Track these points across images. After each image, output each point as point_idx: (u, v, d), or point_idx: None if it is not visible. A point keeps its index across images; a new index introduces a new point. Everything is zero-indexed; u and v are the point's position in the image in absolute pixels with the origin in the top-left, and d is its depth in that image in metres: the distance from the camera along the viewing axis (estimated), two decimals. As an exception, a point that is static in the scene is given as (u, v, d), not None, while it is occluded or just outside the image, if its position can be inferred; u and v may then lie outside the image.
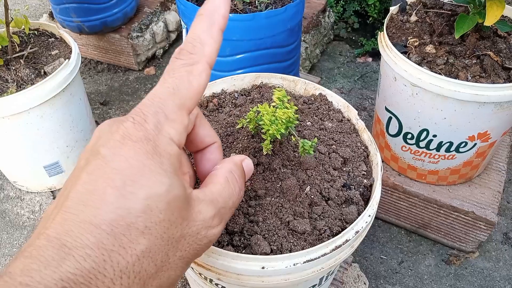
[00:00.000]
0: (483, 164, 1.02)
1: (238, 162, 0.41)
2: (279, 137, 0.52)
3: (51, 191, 1.28)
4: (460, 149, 0.93)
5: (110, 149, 0.31)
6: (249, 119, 0.57)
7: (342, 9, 1.93)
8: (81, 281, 0.26)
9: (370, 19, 1.92)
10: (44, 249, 0.27)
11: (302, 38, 1.58)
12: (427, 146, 0.95)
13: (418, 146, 0.97)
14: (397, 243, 1.14)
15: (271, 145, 0.56)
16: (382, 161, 1.11)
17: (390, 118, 0.99)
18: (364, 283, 0.94)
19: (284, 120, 0.52)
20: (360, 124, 0.67)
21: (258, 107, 0.55)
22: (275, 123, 0.52)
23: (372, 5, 1.86)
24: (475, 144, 0.92)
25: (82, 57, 1.76)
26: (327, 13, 1.76)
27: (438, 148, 0.94)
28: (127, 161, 0.30)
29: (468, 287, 1.05)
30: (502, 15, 0.99)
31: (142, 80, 1.69)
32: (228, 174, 0.39)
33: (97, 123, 1.48)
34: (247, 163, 0.43)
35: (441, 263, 1.10)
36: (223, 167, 0.39)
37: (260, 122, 0.54)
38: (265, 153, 0.57)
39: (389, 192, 1.09)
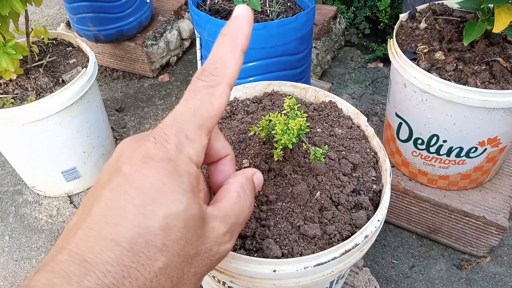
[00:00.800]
0: (494, 169, 1.03)
1: (249, 176, 0.42)
2: (291, 146, 0.54)
3: (68, 196, 1.31)
4: (471, 154, 0.94)
5: (132, 167, 0.32)
6: (261, 127, 0.59)
7: (353, 15, 1.94)
8: None
9: (381, 24, 1.93)
10: (66, 264, 0.28)
11: (314, 45, 1.60)
12: (437, 152, 0.96)
13: (429, 152, 0.98)
14: (409, 248, 1.15)
15: (282, 152, 0.58)
16: (393, 166, 1.12)
17: (400, 124, 1.00)
18: (375, 287, 0.95)
19: (296, 130, 0.53)
20: (369, 131, 0.68)
21: (270, 116, 0.57)
22: (287, 133, 0.54)
23: (383, 11, 1.87)
24: (485, 149, 0.93)
25: (98, 65, 1.80)
26: (338, 19, 1.77)
27: (448, 154, 0.95)
28: (148, 180, 0.31)
29: (480, 292, 1.06)
30: (511, 21, 1.00)
31: (157, 87, 1.73)
32: (240, 189, 0.39)
33: (113, 130, 1.51)
34: (258, 176, 0.43)
35: (453, 268, 1.10)
36: (235, 181, 0.40)
37: (273, 132, 0.56)
38: (276, 159, 0.59)
39: (400, 197, 1.10)
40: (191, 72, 1.79)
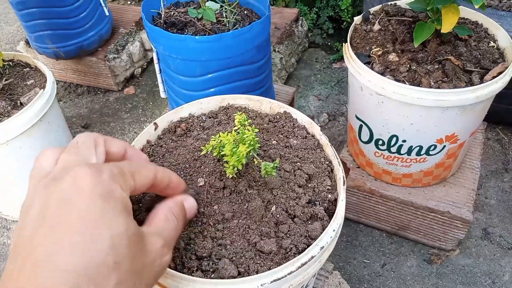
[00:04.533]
0: (455, 164, 1.05)
1: (179, 200, 0.48)
2: (240, 167, 0.55)
3: (37, 219, 1.29)
4: (430, 152, 0.96)
5: (71, 197, 0.35)
6: (211, 147, 0.58)
7: (316, 15, 1.95)
8: None
9: (344, 23, 1.95)
10: None
11: (277, 49, 1.60)
12: (398, 151, 0.98)
13: (390, 152, 0.99)
14: (379, 246, 1.16)
15: (236, 169, 0.58)
16: (358, 167, 1.13)
17: (361, 126, 1.01)
18: (347, 289, 0.96)
19: (244, 153, 0.54)
20: (323, 140, 0.68)
21: (220, 136, 0.57)
22: (236, 154, 0.54)
23: (345, 10, 1.89)
24: (444, 146, 0.94)
25: (61, 81, 1.77)
26: (300, 22, 1.78)
27: (409, 152, 0.97)
28: (87, 207, 0.34)
29: (451, 285, 1.07)
30: (463, 18, 1.02)
31: (122, 100, 1.71)
32: (168, 211, 0.45)
33: (79, 147, 1.49)
34: (189, 202, 0.50)
35: (423, 263, 1.12)
36: (163, 204, 0.46)
37: (222, 152, 0.56)
38: (230, 176, 0.59)
39: (367, 197, 1.11)
40: (156, 82, 1.78)
